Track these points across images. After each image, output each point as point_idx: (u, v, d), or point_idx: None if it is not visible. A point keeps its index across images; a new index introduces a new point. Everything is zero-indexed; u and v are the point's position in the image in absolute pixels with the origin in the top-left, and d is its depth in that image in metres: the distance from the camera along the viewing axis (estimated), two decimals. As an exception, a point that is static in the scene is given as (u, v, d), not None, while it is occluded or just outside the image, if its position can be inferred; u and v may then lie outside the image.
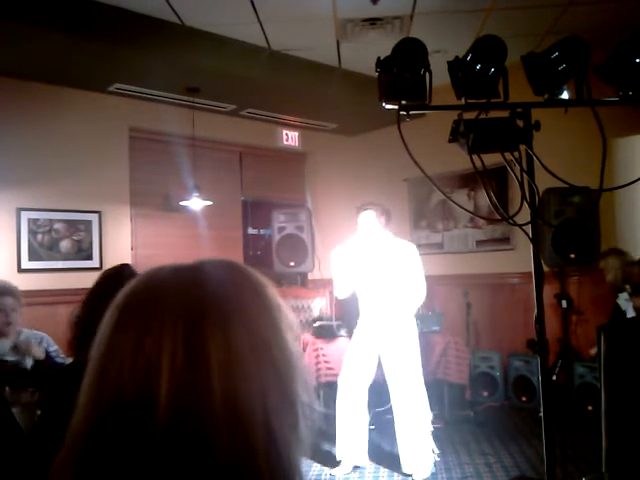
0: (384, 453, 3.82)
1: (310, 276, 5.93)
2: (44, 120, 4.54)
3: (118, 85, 4.67)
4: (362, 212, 3.56)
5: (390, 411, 3.57)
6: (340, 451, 3.51)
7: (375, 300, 3.51)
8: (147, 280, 0.60)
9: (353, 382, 3.47)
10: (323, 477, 3.52)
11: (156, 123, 5.06)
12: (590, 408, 4.13)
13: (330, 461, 3.60)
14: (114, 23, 3.87)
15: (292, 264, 5.27)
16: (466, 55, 2.01)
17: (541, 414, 2.16)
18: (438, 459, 3.55)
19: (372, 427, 3.81)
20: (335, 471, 3.50)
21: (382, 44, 3.80)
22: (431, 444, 3.47)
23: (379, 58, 2.04)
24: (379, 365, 3.52)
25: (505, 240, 5.27)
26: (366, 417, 3.53)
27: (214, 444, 0.52)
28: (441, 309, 4.90)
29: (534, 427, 3.99)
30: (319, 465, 3.65)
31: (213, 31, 4.29)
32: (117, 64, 4.24)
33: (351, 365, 3.50)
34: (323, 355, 4.16)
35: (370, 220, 3.52)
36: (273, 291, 0.63)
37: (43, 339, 2.95)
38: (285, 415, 0.56)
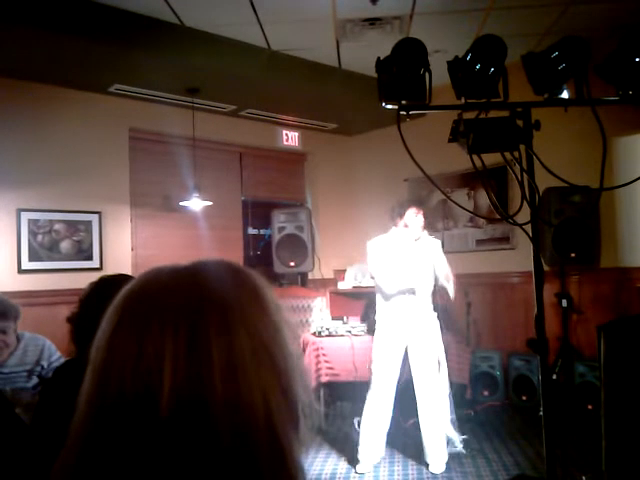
0: (400, 442, 3.93)
1: (310, 276, 5.94)
2: (44, 121, 4.55)
3: (118, 86, 4.67)
4: (414, 210, 3.61)
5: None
6: (362, 451, 3.60)
7: (409, 295, 3.57)
8: (146, 281, 0.60)
9: (386, 380, 3.55)
10: (339, 468, 3.64)
11: (156, 124, 5.06)
12: (590, 407, 4.13)
13: (347, 451, 3.78)
14: (114, 24, 3.87)
15: (292, 264, 5.28)
16: (466, 55, 2.01)
17: (541, 413, 2.16)
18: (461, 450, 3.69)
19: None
20: (358, 468, 3.59)
21: (382, 44, 3.81)
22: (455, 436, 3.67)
23: (379, 58, 2.04)
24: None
25: (505, 239, 5.27)
26: (389, 416, 3.61)
27: (216, 443, 0.52)
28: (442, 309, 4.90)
29: (534, 426, 3.99)
30: (336, 454, 3.83)
31: (213, 31, 4.29)
32: (117, 65, 4.24)
33: (383, 363, 3.57)
34: (323, 355, 4.17)
35: (421, 221, 3.62)
36: (272, 292, 0.63)
37: (44, 348, 2.75)
38: (286, 414, 0.57)
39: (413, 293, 3.55)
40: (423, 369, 3.53)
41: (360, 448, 3.59)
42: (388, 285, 3.57)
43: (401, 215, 3.60)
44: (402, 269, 3.56)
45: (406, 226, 3.59)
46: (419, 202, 3.69)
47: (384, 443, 3.65)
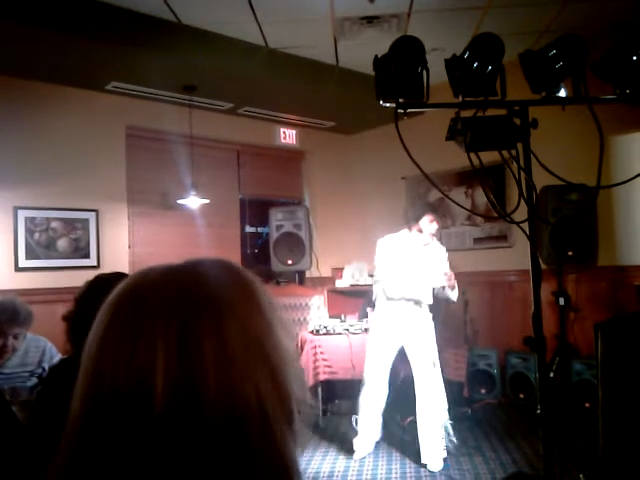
0: (397, 441, 3.96)
1: (308, 274, 5.93)
2: (41, 119, 4.53)
3: (115, 84, 4.65)
4: (430, 217, 3.65)
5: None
6: (358, 441, 3.75)
7: (410, 296, 3.64)
8: (139, 279, 0.60)
9: (378, 376, 3.65)
10: (337, 466, 3.66)
11: (153, 121, 5.05)
12: (587, 405, 4.14)
13: (345, 448, 3.85)
14: (111, 22, 3.86)
15: (290, 262, 5.28)
16: (463, 53, 2.01)
17: (538, 411, 2.17)
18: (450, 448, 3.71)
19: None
20: (355, 457, 3.72)
21: (379, 42, 3.80)
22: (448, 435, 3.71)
23: (376, 56, 2.04)
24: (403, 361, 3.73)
25: (503, 238, 5.27)
26: (382, 404, 3.72)
27: (210, 438, 0.52)
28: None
29: (531, 424, 3.99)
30: (334, 452, 3.88)
31: (210, 29, 4.28)
32: (114, 63, 4.23)
33: (376, 359, 3.67)
34: (321, 353, 4.17)
35: (435, 228, 3.66)
36: (265, 289, 0.63)
37: (46, 349, 2.75)
38: (280, 410, 0.57)
39: (418, 303, 3.64)
40: (422, 367, 3.59)
41: (357, 438, 3.75)
42: (393, 291, 3.64)
43: (417, 220, 3.65)
44: (408, 274, 3.62)
45: (420, 231, 3.65)
46: (434, 209, 3.75)
47: (380, 429, 3.79)
